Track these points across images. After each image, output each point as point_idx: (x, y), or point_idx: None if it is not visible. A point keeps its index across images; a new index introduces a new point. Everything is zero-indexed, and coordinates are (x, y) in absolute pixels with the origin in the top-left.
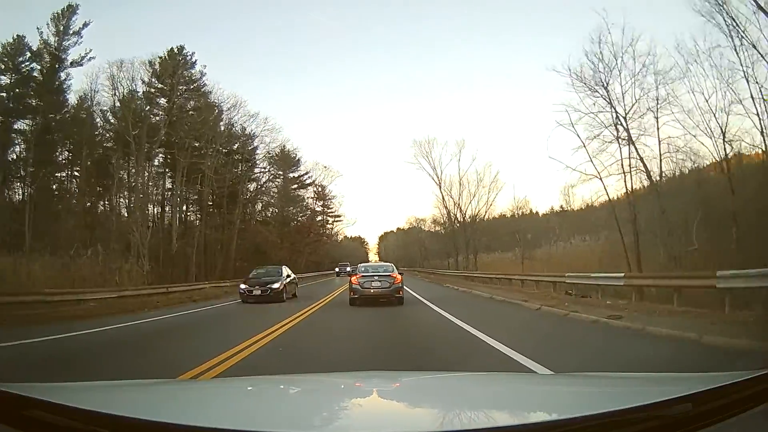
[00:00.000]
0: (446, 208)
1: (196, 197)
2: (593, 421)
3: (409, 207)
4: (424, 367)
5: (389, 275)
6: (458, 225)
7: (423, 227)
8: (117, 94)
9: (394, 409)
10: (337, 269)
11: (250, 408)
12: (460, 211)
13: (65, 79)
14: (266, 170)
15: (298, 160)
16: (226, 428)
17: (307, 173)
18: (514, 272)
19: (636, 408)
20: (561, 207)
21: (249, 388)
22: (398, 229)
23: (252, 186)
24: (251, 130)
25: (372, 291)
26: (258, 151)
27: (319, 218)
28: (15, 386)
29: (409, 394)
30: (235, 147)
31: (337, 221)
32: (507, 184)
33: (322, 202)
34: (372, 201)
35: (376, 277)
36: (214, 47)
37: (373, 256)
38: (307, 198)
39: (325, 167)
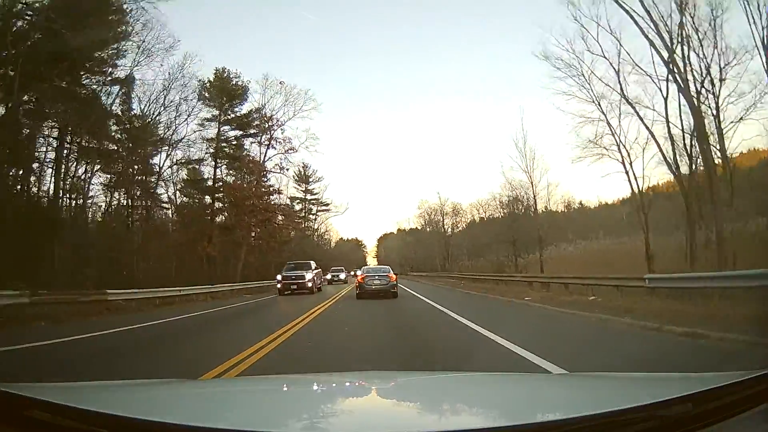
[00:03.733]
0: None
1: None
2: (593, 421)
3: (414, 203)
4: None
5: (386, 275)
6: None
7: (443, 216)
8: None
9: (392, 409)
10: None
11: (248, 408)
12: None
13: None
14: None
15: (245, 88)
16: (224, 428)
17: (257, 110)
18: None
19: (636, 408)
20: None
21: (247, 389)
22: (399, 230)
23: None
24: None
25: (373, 287)
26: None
27: (299, 206)
28: (15, 386)
29: (408, 395)
30: None
31: (322, 210)
32: None
33: (304, 186)
34: (370, 198)
35: (377, 277)
36: None
37: (371, 260)
38: (251, 144)
39: (281, 83)
